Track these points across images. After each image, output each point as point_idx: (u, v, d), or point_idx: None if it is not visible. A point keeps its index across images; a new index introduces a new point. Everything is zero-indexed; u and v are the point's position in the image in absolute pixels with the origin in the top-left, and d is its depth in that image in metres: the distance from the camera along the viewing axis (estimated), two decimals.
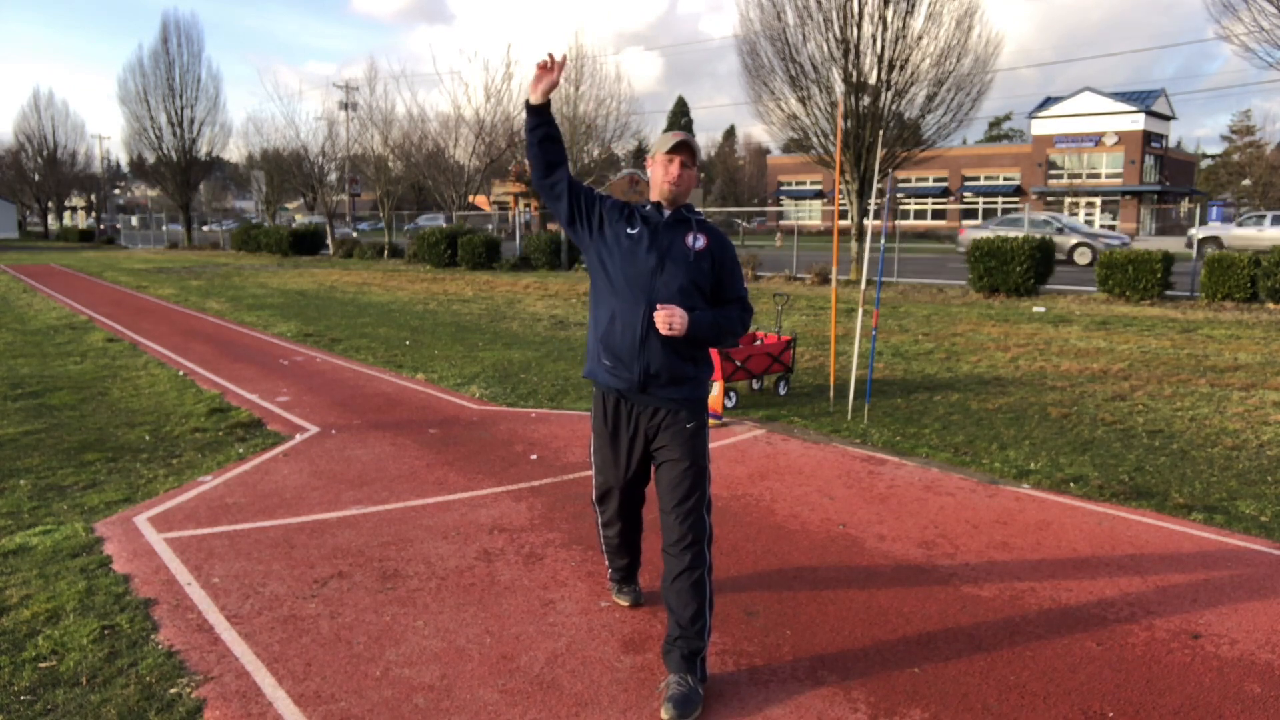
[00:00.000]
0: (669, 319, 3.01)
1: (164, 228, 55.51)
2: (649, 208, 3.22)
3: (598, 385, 3.31)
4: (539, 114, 3.23)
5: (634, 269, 3.13)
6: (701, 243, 3.18)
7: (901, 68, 20.05)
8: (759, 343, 8.12)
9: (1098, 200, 53.60)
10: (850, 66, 20.13)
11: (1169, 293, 16.13)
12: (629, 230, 3.18)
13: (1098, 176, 54.20)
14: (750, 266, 22.42)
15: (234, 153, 49.76)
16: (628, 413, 3.26)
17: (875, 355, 9.27)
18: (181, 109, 46.29)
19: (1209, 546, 4.44)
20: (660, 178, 3.16)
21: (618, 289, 3.15)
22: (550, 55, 3.17)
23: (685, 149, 3.14)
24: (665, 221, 3.18)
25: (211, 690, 3.07)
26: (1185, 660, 3.31)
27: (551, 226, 38.17)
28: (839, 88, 20.49)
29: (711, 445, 3.28)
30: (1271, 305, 14.78)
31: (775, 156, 67.21)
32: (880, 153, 9.98)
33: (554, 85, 3.19)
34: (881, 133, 14.80)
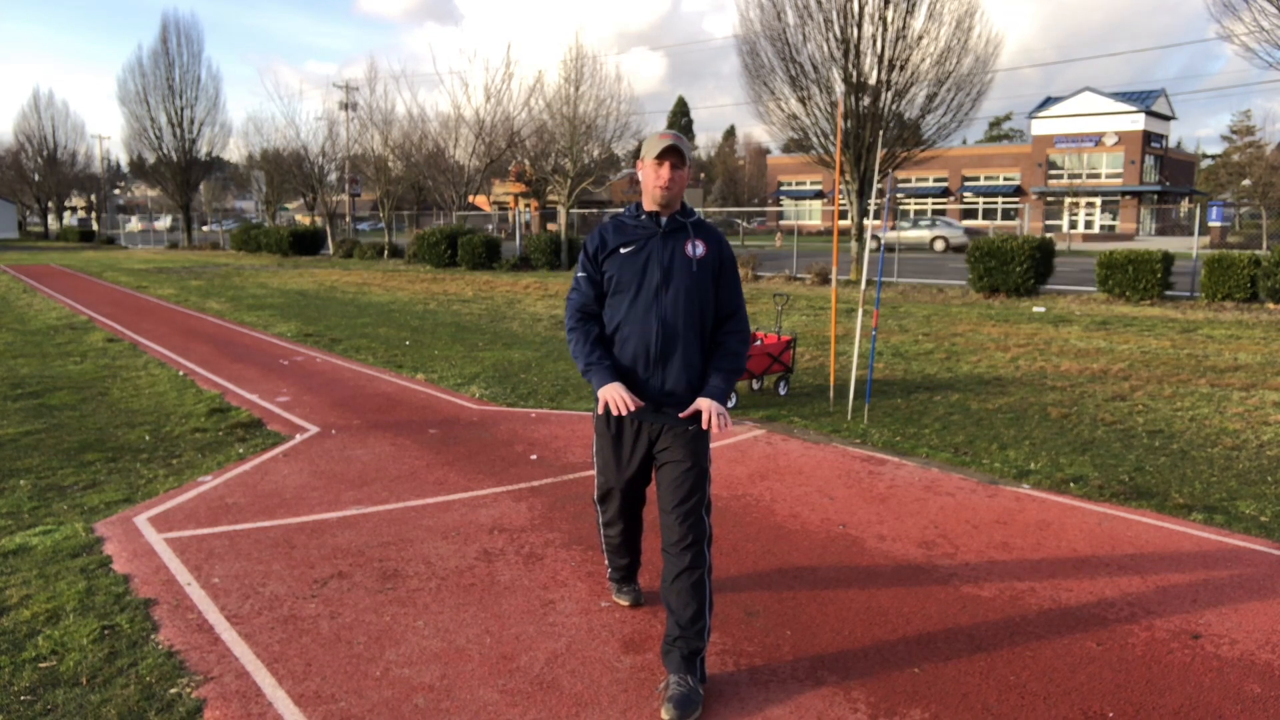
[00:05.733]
0: (712, 418, 3.04)
1: (164, 224, 55.50)
2: (643, 216, 3.20)
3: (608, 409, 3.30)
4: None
5: (639, 288, 3.12)
6: (701, 250, 3.17)
7: (901, 68, 20.05)
8: (759, 343, 8.12)
9: (1098, 200, 53.60)
10: (850, 66, 20.13)
11: (1169, 293, 16.13)
12: (623, 250, 3.17)
13: (1098, 176, 54.18)
14: (750, 266, 22.43)
15: (234, 153, 49.80)
16: (632, 418, 3.26)
17: (875, 355, 9.27)
18: (181, 109, 46.30)
19: (1209, 546, 4.44)
20: (652, 183, 3.14)
21: (624, 309, 3.15)
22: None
23: (673, 152, 3.11)
24: (664, 230, 3.17)
25: (211, 690, 3.07)
26: (1185, 660, 3.31)
27: (551, 226, 38.19)
28: (839, 88, 20.50)
29: (711, 446, 3.27)
30: (1271, 305, 14.78)
31: (775, 156, 67.21)
32: (880, 153, 9.98)
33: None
34: (881, 133, 14.82)
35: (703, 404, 3.09)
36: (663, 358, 3.11)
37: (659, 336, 3.10)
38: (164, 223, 63.77)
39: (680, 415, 3.13)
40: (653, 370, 3.13)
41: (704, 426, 3.10)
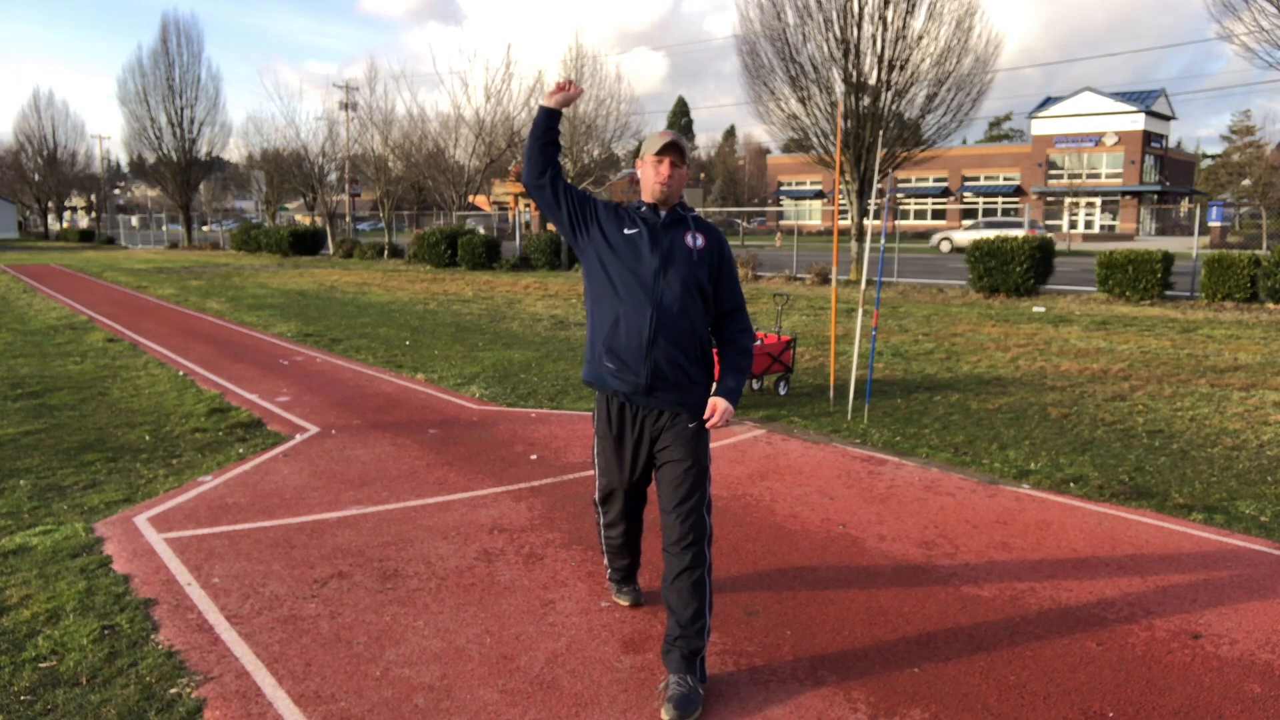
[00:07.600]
0: (721, 418, 3.10)
1: (164, 228, 55.55)
2: (643, 209, 3.22)
3: (601, 389, 3.31)
4: (551, 119, 3.32)
5: (637, 270, 3.13)
6: (701, 242, 3.20)
7: (901, 68, 20.05)
8: (759, 343, 8.12)
9: (1097, 200, 53.59)
10: (850, 67, 20.13)
11: (1169, 293, 16.13)
12: (626, 230, 3.18)
13: (1098, 176, 54.19)
14: (750, 266, 22.42)
15: (234, 153, 49.78)
16: (632, 416, 3.25)
17: (875, 355, 9.27)
18: (181, 109, 46.36)
19: (1209, 546, 4.44)
20: (651, 179, 3.18)
21: (620, 291, 3.15)
22: (570, 80, 3.39)
23: (673, 149, 3.15)
24: (663, 222, 3.20)
25: (211, 690, 3.07)
26: (1185, 660, 3.31)
27: (551, 227, 38.22)
28: (839, 88, 20.50)
29: (712, 445, 3.27)
30: (1271, 305, 14.78)
31: (775, 156, 67.23)
32: (880, 153, 9.99)
33: (569, 101, 3.35)
34: (881, 133, 14.81)
35: (719, 404, 3.11)
36: (656, 342, 3.11)
37: (654, 320, 3.10)
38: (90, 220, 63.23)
39: (704, 416, 3.16)
40: (645, 354, 3.13)
41: (707, 423, 3.12)
